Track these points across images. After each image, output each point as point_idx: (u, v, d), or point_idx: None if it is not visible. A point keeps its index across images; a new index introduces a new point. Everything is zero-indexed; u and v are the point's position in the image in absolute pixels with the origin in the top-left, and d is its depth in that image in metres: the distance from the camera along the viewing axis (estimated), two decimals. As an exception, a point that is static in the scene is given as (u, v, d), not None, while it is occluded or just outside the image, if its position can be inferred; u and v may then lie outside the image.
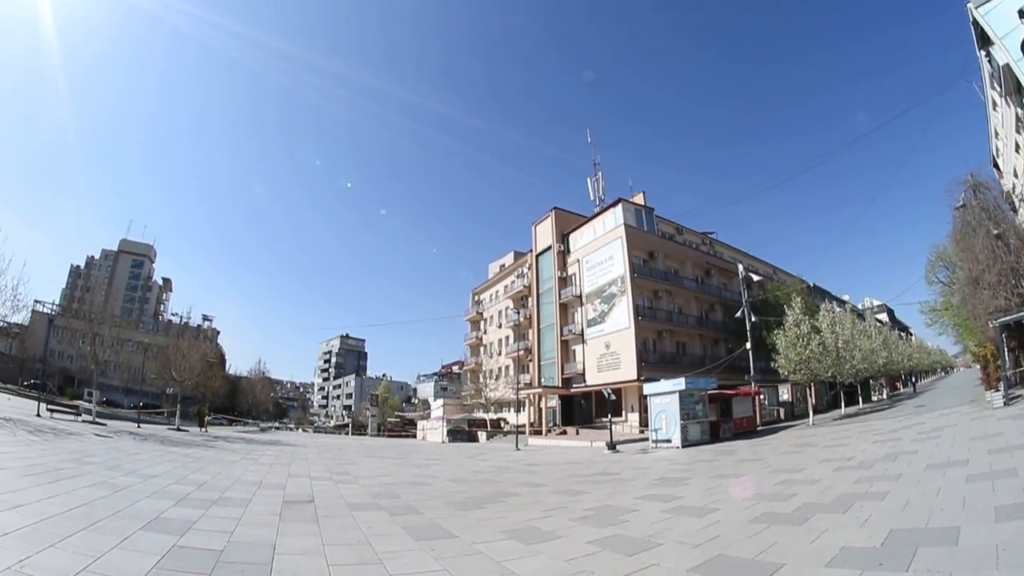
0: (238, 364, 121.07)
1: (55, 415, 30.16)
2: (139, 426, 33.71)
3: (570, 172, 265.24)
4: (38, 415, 27.89)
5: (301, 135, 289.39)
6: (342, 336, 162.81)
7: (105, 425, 30.05)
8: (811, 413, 32.42)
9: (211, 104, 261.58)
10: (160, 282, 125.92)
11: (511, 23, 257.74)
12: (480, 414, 62.53)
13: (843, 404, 36.53)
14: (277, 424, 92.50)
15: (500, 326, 69.00)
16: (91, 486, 9.74)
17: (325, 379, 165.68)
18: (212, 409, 55.70)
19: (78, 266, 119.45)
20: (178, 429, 36.38)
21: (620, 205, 49.99)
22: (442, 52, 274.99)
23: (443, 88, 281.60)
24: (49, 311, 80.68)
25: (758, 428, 32.69)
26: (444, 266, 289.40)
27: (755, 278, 46.74)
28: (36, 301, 76.69)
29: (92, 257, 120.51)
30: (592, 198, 63.13)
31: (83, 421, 30.05)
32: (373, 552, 6.64)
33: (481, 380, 66.16)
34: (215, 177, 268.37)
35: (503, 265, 74.88)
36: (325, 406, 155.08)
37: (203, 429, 41.05)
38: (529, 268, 62.39)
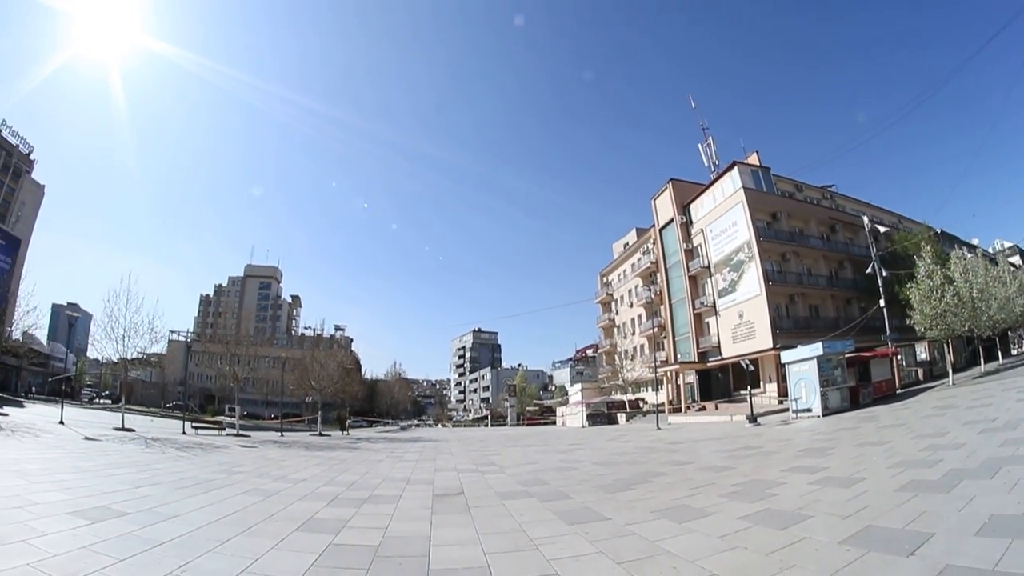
0: (374, 368, 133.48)
1: (200, 432, 33.49)
2: (282, 435, 37.38)
3: (679, 142, 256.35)
4: (183, 433, 31.35)
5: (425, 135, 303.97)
6: (474, 331, 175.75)
7: (249, 436, 33.43)
8: (951, 372, 32.15)
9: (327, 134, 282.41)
10: (289, 299, 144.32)
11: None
12: (618, 396, 64.92)
13: (982, 360, 35.52)
14: (416, 422, 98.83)
15: (631, 305, 72.56)
16: (243, 493, 10.80)
17: (461, 374, 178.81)
18: (352, 412, 60.84)
19: (207, 295, 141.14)
20: (320, 434, 39.89)
21: (736, 168, 51.74)
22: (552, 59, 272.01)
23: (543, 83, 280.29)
24: (185, 339, 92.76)
25: (897, 391, 32.71)
26: (567, 252, 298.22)
27: (881, 229, 47.78)
28: (171, 331, 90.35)
29: (220, 285, 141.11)
30: (706, 164, 64.40)
31: (227, 435, 33.25)
32: (528, 539, 6.96)
33: (617, 361, 69.44)
34: (333, 197, 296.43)
35: (627, 244, 78.06)
36: (463, 400, 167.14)
37: (345, 432, 45.02)
38: (654, 244, 65.02)
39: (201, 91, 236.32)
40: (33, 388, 70.66)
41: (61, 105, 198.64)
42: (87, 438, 22.17)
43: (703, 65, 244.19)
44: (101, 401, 78.02)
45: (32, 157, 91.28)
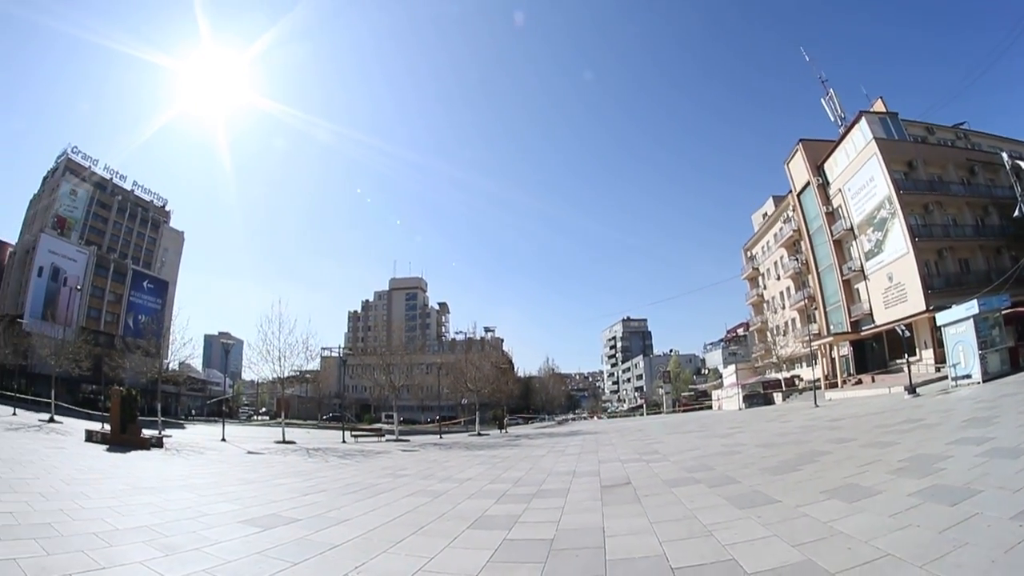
0: (526, 365, 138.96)
1: (359, 439, 35.51)
2: (441, 437, 38.85)
3: (799, 108, 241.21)
4: (343, 442, 33.15)
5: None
6: (624, 319, 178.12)
7: (408, 441, 34.95)
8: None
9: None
10: (436, 307, 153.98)
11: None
12: (772, 374, 64.44)
13: None
14: (572, 416, 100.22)
15: (778, 278, 71.91)
16: (410, 495, 11.24)
17: (613, 364, 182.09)
18: (508, 411, 62.50)
19: (355, 311, 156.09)
20: (479, 434, 41.20)
21: (863, 119, 50.72)
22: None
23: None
24: (338, 354, 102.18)
25: (1061, 350, 29.85)
26: (704, 231, 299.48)
27: (1023, 165, 44.65)
28: (323, 348, 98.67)
29: (367, 301, 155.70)
30: (832, 119, 62.11)
31: (387, 440, 35.12)
32: (700, 525, 6.94)
33: (769, 338, 70.07)
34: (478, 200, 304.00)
35: (765, 214, 78.12)
36: (616, 391, 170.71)
37: (503, 431, 46.37)
38: (793, 210, 64.58)
39: (331, 136, 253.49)
40: (192, 411, 78.82)
41: (178, 153, 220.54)
42: (250, 452, 23.91)
43: (802, 20, 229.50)
44: (259, 418, 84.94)
45: (167, 208, 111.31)
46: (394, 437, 36.85)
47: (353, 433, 38.08)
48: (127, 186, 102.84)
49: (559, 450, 22.38)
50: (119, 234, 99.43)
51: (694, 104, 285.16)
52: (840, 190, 54.05)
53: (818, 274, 60.05)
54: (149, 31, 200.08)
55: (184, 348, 39.72)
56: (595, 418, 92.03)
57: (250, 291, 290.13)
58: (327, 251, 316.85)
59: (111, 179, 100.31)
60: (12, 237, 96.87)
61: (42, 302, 78.29)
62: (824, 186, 57.08)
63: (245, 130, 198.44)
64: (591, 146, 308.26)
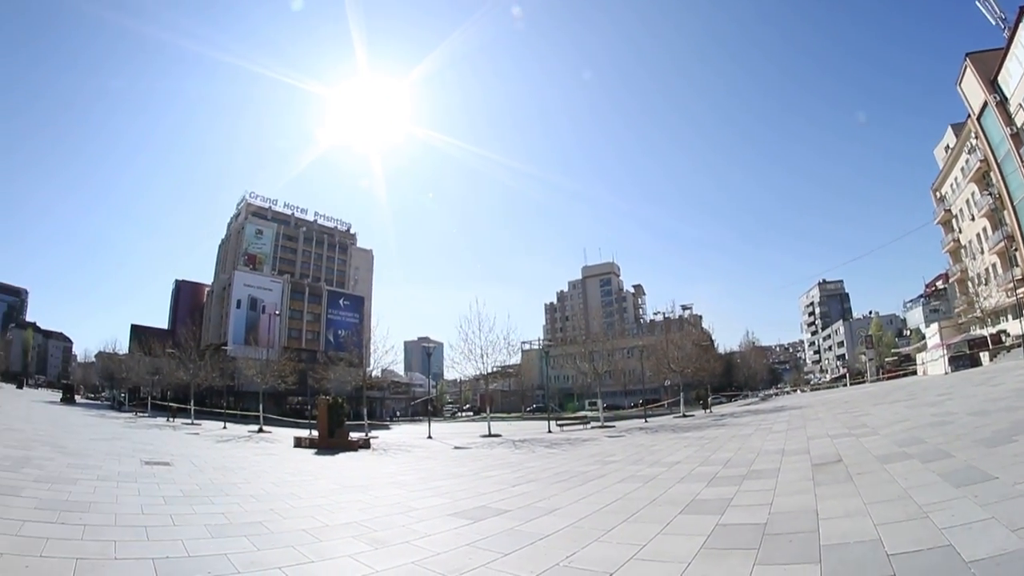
0: (726, 341, 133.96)
1: (565, 428, 35.97)
2: (646, 420, 38.43)
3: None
4: (549, 432, 33.53)
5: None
6: (820, 283, 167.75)
7: (614, 427, 34.85)
8: None
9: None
10: (631, 290, 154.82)
11: None
12: (977, 331, 58.33)
13: None
14: (775, 390, 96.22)
15: (972, 219, 64.51)
16: (620, 482, 11.05)
17: (813, 332, 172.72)
18: (712, 389, 61.02)
19: (551, 303, 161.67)
20: (683, 416, 40.47)
21: None
22: None
23: None
24: (539, 346, 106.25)
25: None
26: (883, 171, 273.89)
27: None
28: (523, 342, 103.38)
29: (562, 291, 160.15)
30: (993, 23, 54.62)
31: (592, 427, 35.17)
32: (916, 506, 6.38)
33: (971, 289, 62.89)
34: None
35: (947, 147, 70.51)
36: (817, 360, 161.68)
37: (707, 410, 45.48)
38: (976, 137, 57.59)
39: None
40: (397, 413, 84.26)
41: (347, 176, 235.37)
42: (456, 447, 24.74)
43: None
44: (463, 415, 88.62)
45: (352, 231, 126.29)
46: (599, 424, 36.96)
47: (558, 423, 38.63)
48: (309, 217, 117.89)
49: (766, 427, 21.53)
50: (309, 261, 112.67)
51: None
52: (1020, 104, 47.50)
53: (1013, 208, 53.06)
54: (308, 65, 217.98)
55: (387, 355, 42.35)
56: (798, 391, 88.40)
57: (447, 296, 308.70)
58: (518, 249, 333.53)
59: (292, 214, 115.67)
60: (207, 278, 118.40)
61: (243, 330, 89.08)
62: (1003, 103, 50.29)
63: (415, 151, 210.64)
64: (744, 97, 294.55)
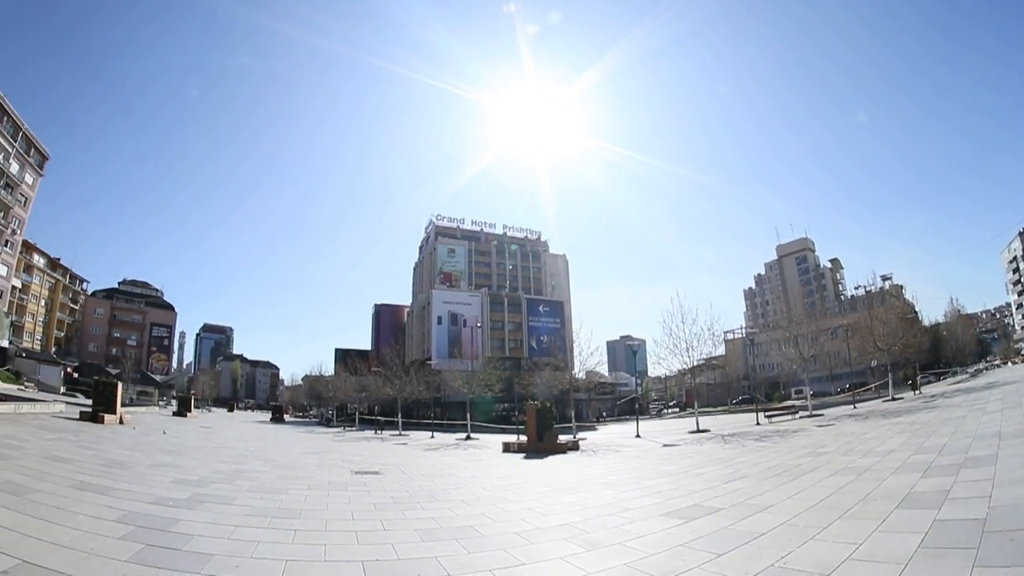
0: (929, 311, 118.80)
1: (773, 420, 34.60)
2: (854, 407, 36.10)
3: None
4: (757, 424, 32.59)
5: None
6: (1020, 232, 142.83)
7: (822, 415, 33.26)
8: None
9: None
10: (828, 264, 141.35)
11: None
12: None
13: None
14: (984, 364, 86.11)
15: None
16: (832, 475, 10.59)
17: (1020, 292, 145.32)
18: (920, 367, 56.10)
19: (749, 288, 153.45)
20: (892, 399, 37.83)
21: None
22: None
23: None
24: (741, 334, 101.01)
25: None
26: None
27: None
28: (725, 331, 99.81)
29: (759, 275, 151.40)
30: None
31: (800, 417, 33.74)
32: None
33: None
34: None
35: None
36: None
37: (916, 391, 42.41)
38: None
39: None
40: (604, 413, 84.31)
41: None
42: (665, 445, 24.43)
43: None
44: (669, 411, 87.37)
45: (543, 239, 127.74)
46: (808, 412, 35.19)
47: (766, 414, 37.21)
48: (497, 231, 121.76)
49: (979, 408, 19.71)
50: (504, 272, 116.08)
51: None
52: None
53: None
54: (475, 75, 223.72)
55: (592, 357, 41.98)
56: (1008, 364, 78.63)
57: (645, 292, 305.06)
58: (706, 237, 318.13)
59: (480, 229, 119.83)
60: (404, 300, 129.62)
61: (446, 344, 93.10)
62: None
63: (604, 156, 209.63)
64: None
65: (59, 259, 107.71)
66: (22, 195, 77.47)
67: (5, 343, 74.71)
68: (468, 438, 36.87)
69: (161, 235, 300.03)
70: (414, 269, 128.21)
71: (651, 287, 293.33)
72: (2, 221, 73.59)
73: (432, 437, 40.16)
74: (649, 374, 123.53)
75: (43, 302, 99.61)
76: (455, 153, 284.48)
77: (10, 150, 72.77)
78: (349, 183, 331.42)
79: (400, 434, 44.24)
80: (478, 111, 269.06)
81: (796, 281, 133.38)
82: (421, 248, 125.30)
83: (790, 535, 6.52)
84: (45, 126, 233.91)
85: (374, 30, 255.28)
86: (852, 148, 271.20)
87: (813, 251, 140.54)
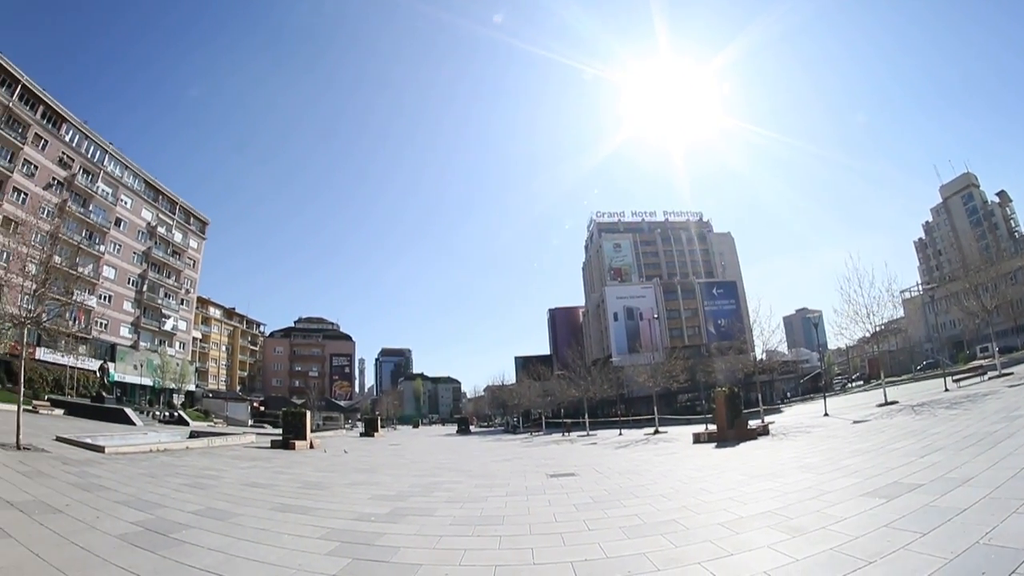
0: None
1: (961, 384, 32.93)
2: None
3: None
4: (945, 390, 30.77)
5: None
6: None
7: (1011, 374, 31.52)
8: None
9: None
10: (996, 199, 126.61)
11: None
12: None
13: None
14: None
15: None
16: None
17: None
18: None
19: (920, 239, 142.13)
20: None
21: None
22: None
23: None
24: (917, 292, 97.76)
25: None
26: None
27: None
28: (901, 291, 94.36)
29: (927, 222, 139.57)
30: None
31: (989, 378, 31.98)
32: None
33: None
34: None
35: None
36: None
37: None
38: None
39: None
40: (787, 393, 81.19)
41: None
42: (855, 421, 23.64)
43: None
44: (853, 384, 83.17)
45: (706, 219, 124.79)
46: (996, 372, 33.09)
47: (953, 378, 35.08)
48: (659, 218, 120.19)
49: None
50: (672, 259, 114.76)
51: None
52: None
53: None
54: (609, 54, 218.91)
55: (774, 335, 40.98)
56: None
57: (812, 261, 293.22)
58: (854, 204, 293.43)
59: (642, 220, 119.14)
60: (578, 301, 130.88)
61: (624, 339, 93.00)
62: None
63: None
64: None
65: (234, 308, 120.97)
66: (189, 258, 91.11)
67: (192, 387, 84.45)
68: (656, 432, 36.63)
69: (333, 274, 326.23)
70: (583, 269, 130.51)
71: (819, 254, 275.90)
72: (175, 284, 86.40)
73: (620, 434, 40.33)
74: (829, 347, 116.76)
75: (224, 347, 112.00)
76: (588, 136, 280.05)
77: (171, 223, 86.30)
78: (498, 184, 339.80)
79: (588, 434, 45.23)
80: (610, 91, 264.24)
81: (966, 223, 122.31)
82: (587, 247, 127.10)
83: (993, 509, 6.47)
84: (204, 193, 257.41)
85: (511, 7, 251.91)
86: (1005, 70, 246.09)
87: (978, 186, 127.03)
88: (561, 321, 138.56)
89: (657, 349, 62.36)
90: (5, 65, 58.83)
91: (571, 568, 6.25)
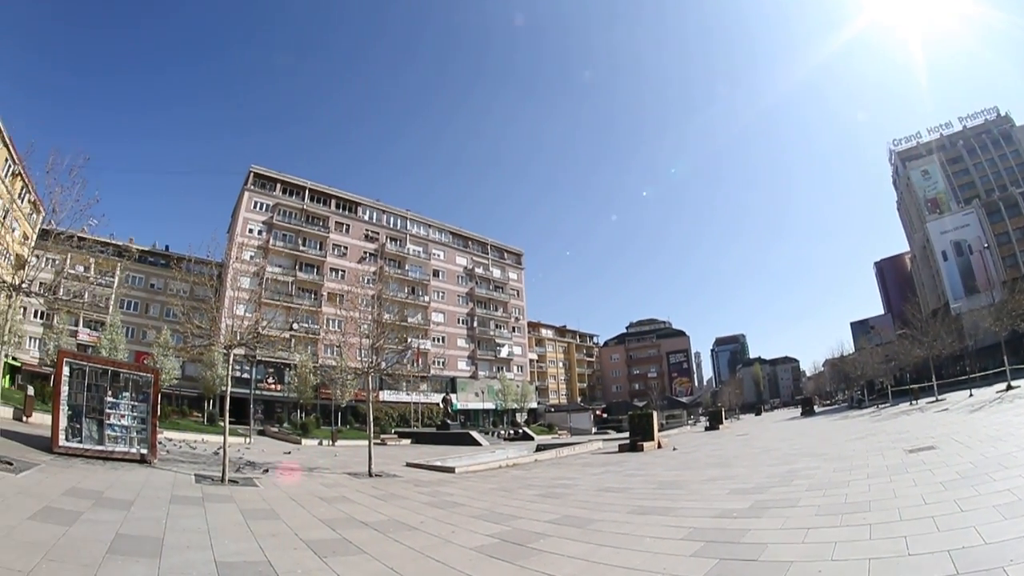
0: None
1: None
2: None
3: None
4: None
5: None
6: None
7: None
8: None
9: None
10: None
11: None
12: None
13: None
14: None
15: None
16: None
17: None
18: None
19: None
20: None
21: None
22: None
23: None
24: None
25: None
26: None
27: None
28: None
29: None
30: None
31: None
32: None
33: None
34: None
35: None
36: None
37: None
38: None
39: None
40: None
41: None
42: None
43: None
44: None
45: (1004, 113, 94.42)
46: None
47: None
48: (955, 128, 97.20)
49: None
50: (984, 173, 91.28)
51: None
52: None
53: None
54: None
55: None
56: None
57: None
58: None
59: (940, 136, 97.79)
60: (901, 247, 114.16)
61: (958, 281, 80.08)
62: None
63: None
64: None
65: (564, 326, 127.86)
66: (512, 289, 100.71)
67: (533, 404, 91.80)
68: (1008, 388, 31.91)
69: (655, 274, 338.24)
70: (897, 208, 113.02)
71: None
72: (503, 315, 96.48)
73: (970, 395, 36.09)
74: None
75: (560, 363, 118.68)
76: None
77: (486, 262, 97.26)
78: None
79: (936, 399, 40.34)
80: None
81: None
82: (895, 183, 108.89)
83: None
84: (515, 227, 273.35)
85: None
86: None
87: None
88: (889, 273, 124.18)
89: (994, 285, 54.52)
90: (290, 180, 75.10)
91: (948, 558, 5.56)
